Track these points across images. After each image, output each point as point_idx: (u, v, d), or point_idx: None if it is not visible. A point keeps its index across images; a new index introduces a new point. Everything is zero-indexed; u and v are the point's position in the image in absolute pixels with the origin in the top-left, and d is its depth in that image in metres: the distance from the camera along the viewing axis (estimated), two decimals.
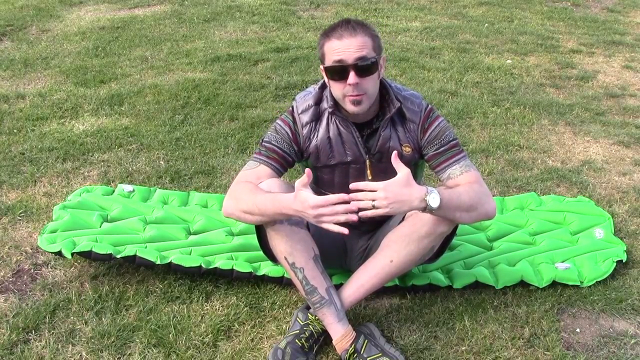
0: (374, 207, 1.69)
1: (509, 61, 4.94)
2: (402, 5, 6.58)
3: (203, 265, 2.23)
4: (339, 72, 1.84)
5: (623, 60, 5.10)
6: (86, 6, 6.39)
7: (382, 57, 1.92)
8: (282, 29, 5.65)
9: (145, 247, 2.32)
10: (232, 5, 6.40)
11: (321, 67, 1.93)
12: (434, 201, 1.75)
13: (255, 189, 1.88)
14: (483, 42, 5.43)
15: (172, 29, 5.61)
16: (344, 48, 1.82)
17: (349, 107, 1.90)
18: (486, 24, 5.98)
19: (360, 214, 1.70)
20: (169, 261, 2.22)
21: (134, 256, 2.22)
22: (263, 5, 6.39)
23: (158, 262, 2.21)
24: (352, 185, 1.73)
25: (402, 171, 1.75)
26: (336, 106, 1.97)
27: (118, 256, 2.21)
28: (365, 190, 1.71)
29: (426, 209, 1.77)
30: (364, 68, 1.82)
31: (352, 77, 1.81)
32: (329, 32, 1.87)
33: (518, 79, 4.55)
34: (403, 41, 5.38)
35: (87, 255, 2.21)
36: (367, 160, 2.02)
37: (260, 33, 5.52)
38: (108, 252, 2.20)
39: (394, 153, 1.76)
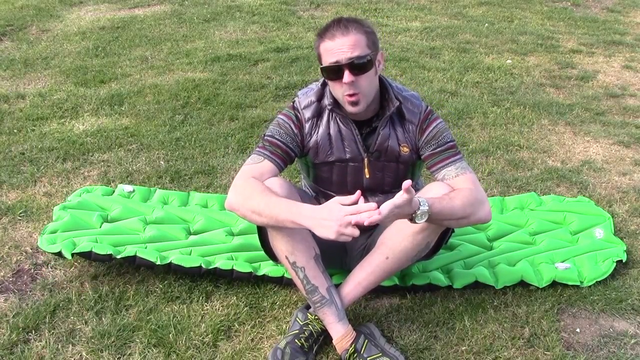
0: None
1: (509, 61, 4.94)
2: (402, 5, 6.58)
3: (203, 266, 2.23)
4: (334, 71, 1.86)
5: (623, 60, 5.10)
6: (86, 6, 6.39)
7: (379, 53, 1.93)
8: (282, 29, 5.65)
9: (145, 248, 2.32)
10: (232, 5, 6.40)
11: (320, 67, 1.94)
12: (419, 218, 1.76)
13: (266, 190, 1.83)
14: (483, 42, 5.43)
15: (172, 29, 5.61)
16: (337, 48, 1.83)
17: (348, 108, 1.92)
18: (486, 24, 5.98)
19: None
20: (169, 261, 2.23)
21: (134, 256, 2.22)
22: (263, 5, 6.39)
23: (158, 262, 2.21)
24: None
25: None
26: (336, 104, 1.99)
27: (118, 256, 2.21)
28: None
29: (413, 220, 1.78)
30: (358, 66, 1.84)
31: (347, 76, 1.83)
32: (322, 33, 1.89)
33: (518, 79, 4.55)
34: (403, 41, 5.38)
35: (87, 255, 2.22)
36: (365, 159, 2.03)
37: (260, 33, 5.52)
38: (108, 253, 2.21)
39: (407, 183, 1.65)
